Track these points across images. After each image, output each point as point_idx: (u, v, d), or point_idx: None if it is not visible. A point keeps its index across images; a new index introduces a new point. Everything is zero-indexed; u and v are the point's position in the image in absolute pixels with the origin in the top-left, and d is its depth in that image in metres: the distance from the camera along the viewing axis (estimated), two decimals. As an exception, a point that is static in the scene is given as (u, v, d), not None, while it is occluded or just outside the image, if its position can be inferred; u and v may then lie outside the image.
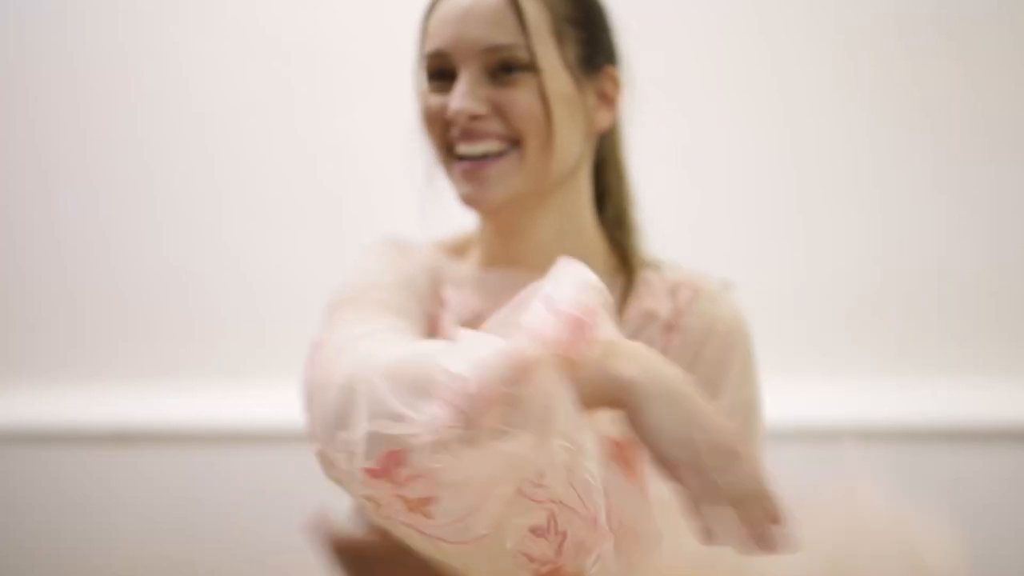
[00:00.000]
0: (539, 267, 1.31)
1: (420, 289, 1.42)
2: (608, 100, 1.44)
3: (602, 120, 1.44)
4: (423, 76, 1.42)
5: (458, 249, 1.53)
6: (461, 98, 1.35)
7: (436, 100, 1.40)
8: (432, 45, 1.39)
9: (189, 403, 2.88)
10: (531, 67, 1.35)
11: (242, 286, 2.83)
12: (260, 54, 2.91)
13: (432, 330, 1.42)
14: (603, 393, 1.04)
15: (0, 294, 3.03)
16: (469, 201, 1.39)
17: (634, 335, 1.36)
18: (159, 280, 2.95)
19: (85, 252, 2.99)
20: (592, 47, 1.41)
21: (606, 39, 1.44)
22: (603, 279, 1.27)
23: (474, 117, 1.36)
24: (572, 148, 1.40)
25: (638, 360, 1.06)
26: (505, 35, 1.35)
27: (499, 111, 1.36)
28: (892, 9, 2.76)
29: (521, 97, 1.35)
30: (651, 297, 1.41)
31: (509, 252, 1.45)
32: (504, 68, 1.35)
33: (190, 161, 2.94)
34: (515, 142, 1.36)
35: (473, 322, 1.27)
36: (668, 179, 2.82)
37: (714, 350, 1.38)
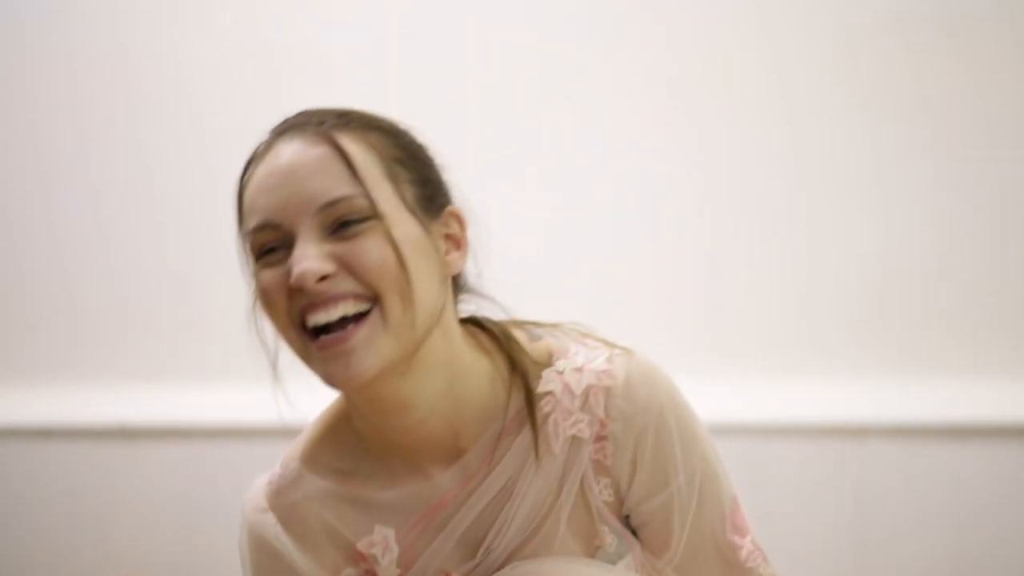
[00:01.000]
0: (438, 431, 1.29)
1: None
2: (457, 242, 1.30)
3: (455, 263, 1.29)
4: (249, 259, 1.28)
5: (324, 457, 1.37)
6: (304, 260, 1.20)
7: (272, 274, 1.24)
8: (256, 220, 1.25)
9: (190, 400, 2.88)
10: (373, 215, 1.22)
11: (243, 284, 2.83)
12: (259, 55, 2.91)
13: None
14: None
15: (2, 294, 3.03)
16: (337, 381, 1.22)
17: (567, 465, 1.30)
18: (160, 280, 2.95)
19: (85, 252, 2.99)
20: (428, 188, 1.28)
21: (439, 179, 1.31)
22: (501, 397, 1.30)
23: (323, 278, 1.21)
24: (432, 295, 1.25)
25: None
26: (338, 187, 1.22)
27: (348, 267, 1.21)
28: (892, 7, 2.76)
29: (369, 247, 1.21)
30: (566, 420, 1.30)
31: (393, 431, 1.30)
32: (343, 223, 1.22)
33: (190, 161, 2.94)
34: (372, 299, 1.22)
35: (413, 549, 1.29)
36: (669, 178, 2.82)
37: (650, 447, 1.31)
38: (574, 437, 1.29)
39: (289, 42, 2.90)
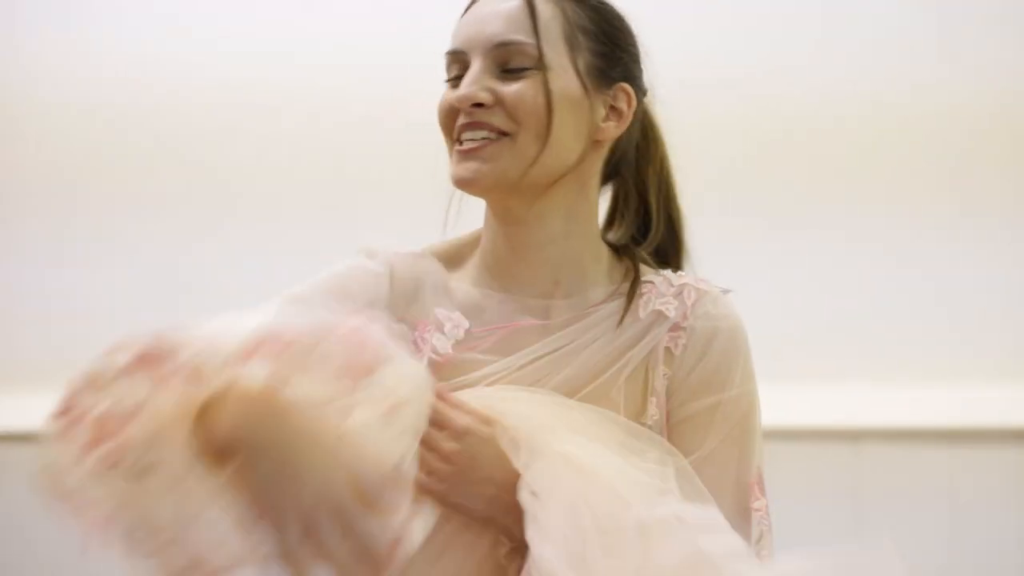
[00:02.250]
0: (545, 265, 1.45)
1: (368, 294, 1.45)
2: (619, 114, 1.46)
3: (609, 131, 1.45)
4: (446, 76, 1.46)
5: (454, 257, 1.52)
6: (467, 86, 1.40)
7: (447, 94, 1.44)
8: (452, 46, 1.44)
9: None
10: (538, 65, 1.39)
11: (244, 284, 2.84)
12: (260, 56, 2.92)
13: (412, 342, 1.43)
14: (207, 445, 1.17)
15: (1, 295, 3.03)
16: (461, 182, 1.42)
17: (643, 332, 1.43)
18: (160, 281, 2.95)
19: (85, 254, 2.99)
20: (607, 60, 1.44)
21: (625, 58, 1.46)
22: (607, 283, 1.47)
23: (477, 104, 1.40)
24: (569, 146, 1.42)
25: (243, 414, 1.15)
26: (516, 32, 1.40)
27: (501, 102, 1.40)
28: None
29: (524, 90, 1.39)
30: (659, 299, 1.44)
31: (513, 247, 1.46)
32: (513, 66, 1.40)
33: (191, 161, 2.94)
34: (513, 133, 1.40)
35: (465, 343, 1.41)
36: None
37: (720, 347, 1.43)
38: (659, 312, 1.43)
39: (290, 45, 2.91)
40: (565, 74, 1.41)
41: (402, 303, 1.46)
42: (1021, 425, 2.77)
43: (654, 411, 1.41)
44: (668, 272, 1.48)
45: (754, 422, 1.43)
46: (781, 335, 2.83)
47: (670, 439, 1.40)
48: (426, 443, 1.29)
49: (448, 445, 1.33)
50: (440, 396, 1.34)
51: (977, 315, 2.79)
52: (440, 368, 1.41)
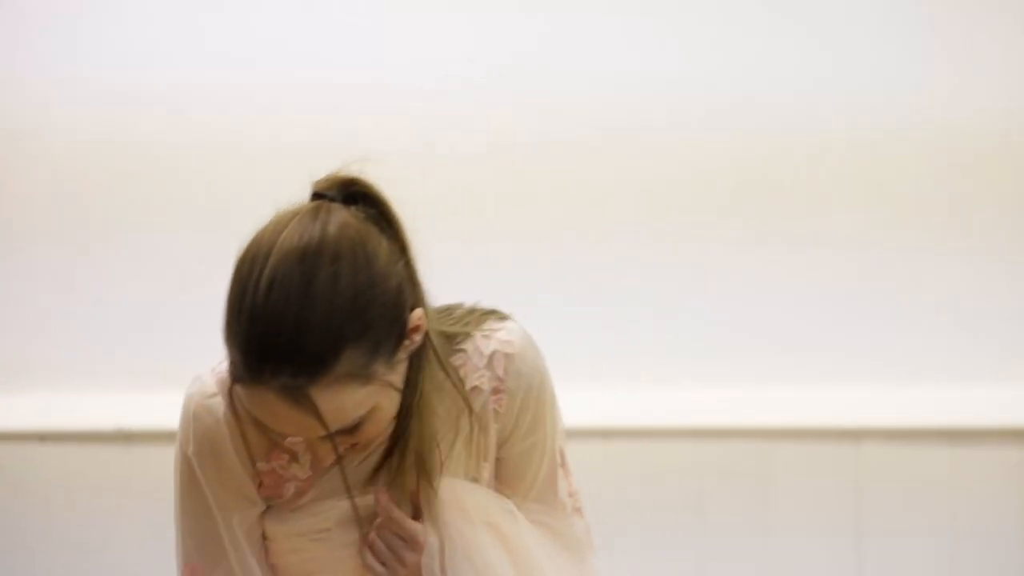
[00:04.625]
0: None
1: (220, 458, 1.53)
2: (417, 328, 1.46)
3: (415, 344, 1.47)
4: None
5: None
6: (320, 462, 1.48)
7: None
8: (274, 428, 1.43)
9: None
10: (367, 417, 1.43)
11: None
12: (261, 59, 2.92)
13: (274, 485, 1.53)
14: None
15: (1, 296, 3.03)
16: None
17: (468, 407, 1.55)
18: (159, 282, 2.95)
19: (85, 255, 2.98)
20: (394, 335, 1.43)
21: (395, 310, 1.43)
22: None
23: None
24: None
25: None
26: (334, 426, 1.40)
27: (352, 443, 1.45)
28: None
29: (367, 431, 1.43)
30: (474, 374, 1.55)
31: None
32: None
33: (192, 162, 2.94)
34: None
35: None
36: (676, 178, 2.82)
37: (534, 398, 1.58)
38: (475, 387, 1.54)
39: (291, 46, 2.91)
40: (387, 395, 1.43)
41: (251, 438, 1.51)
42: (1021, 424, 2.77)
43: (486, 472, 1.58)
44: (476, 337, 1.56)
45: (558, 422, 1.64)
46: (783, 336, 2.83)
47: (501, 469, 1.60)
48: (395, 553, 1.50)
49: (410, 556, 1.51)
50: (389, 508, 1.50)
51: (977, 314, 2.79)
52: (305, 488, 1.52)
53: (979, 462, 2.77)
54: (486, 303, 1.63)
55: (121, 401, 2.95)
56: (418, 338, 1.46)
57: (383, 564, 1.51)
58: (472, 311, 1.60)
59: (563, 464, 1.65)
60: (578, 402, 2.86)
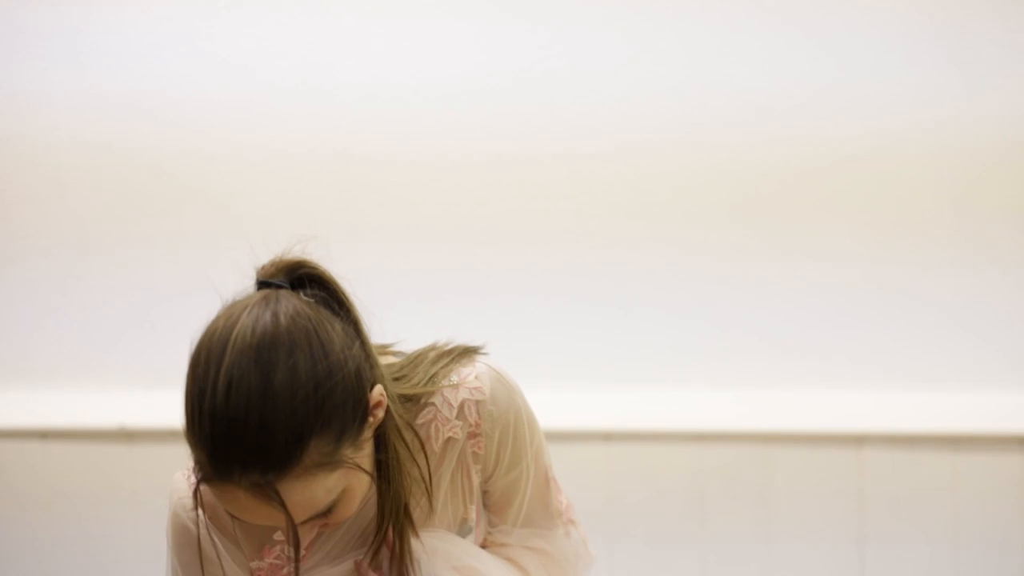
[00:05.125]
0: None
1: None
2: (380, 403, 1.46)
3: (379, 418, 1.46)
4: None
5: None
6: (297, 545, 1.44)
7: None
8: (246, 520, 1.43)
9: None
10: (339, 499, 1.43)
11: (244, 286, 2.83)
12: (260, 63, 2.92)
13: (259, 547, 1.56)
14: None
15: (2, 295, 3.03)
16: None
17: (441, 459, 1.57)
18: (159, 281, 2.95)
19: (86, 253, 2.99)
20: (358, 418, 1.42)
21: (356, 394, 1.42)
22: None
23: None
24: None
25: None
26: (303, 517, 1.40)
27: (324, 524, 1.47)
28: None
29: (340, 514, 1.44)
30: (445, 426, 1.56)
31: None
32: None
33: (192, 166, 2.94)
34: None
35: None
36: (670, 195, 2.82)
37: (512, 435, 1.60)
38: (449, 439, 1.57)
39: (293, 50, 2.91)
40: (355, 478, 1.43)
41: (237, 541, 1.54)
42: (1023, 431, 2.76)
43: (473, 513, 1.61)
44: (444, 389, 1.56)
45: (542, 446, 1.66)
46: (785, 341, 2.83)
47: (488, 500, 1.64)
48: None
49: None
50: (367, 574, 1.53)
51: (981, 321, 2.79)
52: (301, 563, 1.54)
53: (981, 468, 2.77)
54: (460, 339, 1.63)
55: (123, 399, 2.96)
56: (381, 413, 1.45)
57: None
58: (440, 357, 1.59)
59: (551, 481, 1.69)
60: (580, 405, 2.87)
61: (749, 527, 2.83)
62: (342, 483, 1.41)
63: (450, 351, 1.60)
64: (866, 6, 2.79)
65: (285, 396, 1.35)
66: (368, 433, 1.44)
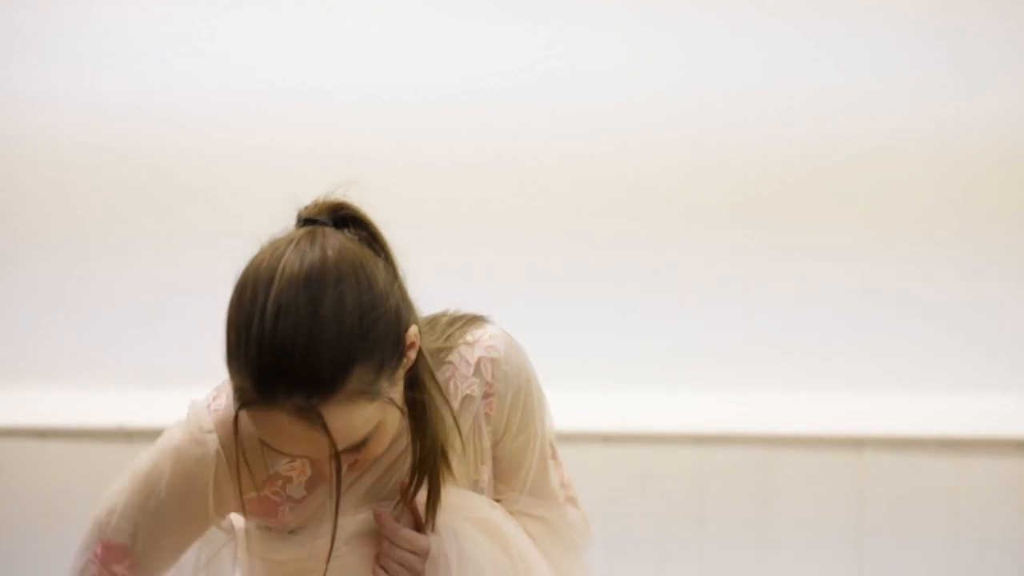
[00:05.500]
0: None
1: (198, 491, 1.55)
2: (413, 345, 1.49)
3: (410, 361, 1.49)
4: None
5: None
6: (327, 480, 1.47)
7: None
8: (273, 447, 1.45)
9: (189, 401, 2.88)
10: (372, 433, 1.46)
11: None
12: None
13: (265, 509, 1.57)
14: None
15: (2, 294, 3.03)
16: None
17: (460, 415, 1.58)
18: (160, 280, 2.95)
19: (86, 252, 2.99)
20: (396, 354, 1.46)
21: (396, 328, 1.46)
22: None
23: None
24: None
25: None
26: (342, 444, 1.42)
27: (354, 459, 1.48)
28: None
29: (372, 448, 1.47)
30: (463, 383, 1.59)
31: None
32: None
33: (192, 167, 2.94)
34: None
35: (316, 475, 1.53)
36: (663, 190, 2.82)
37: (524, 399, 1.63)
38: (467, 396, 1.59)
39: (294, 50, 2.91)
40: (389, 413, 1.46)
41: (243, 470, 1.54)
42: (1022, 435, 2.76)
43: (486, 475, 1.64)
44: (461, 347, 1.60)
45: (548, 417, 1.71)
46: (786, 344, 2.83)
47: (496, 466, 1.65)
48: (408, 564, 1.54)
49: (420, 566, 1.55)
50: (395, 527, 1.55)
51: (981, 325, 2.79)
52: (302, 504, 1.57)
53: (981, 471, 2.77)
54: (467, 307, 1.66)
55: (122, 399, 2.96)
56: (413, 354, 1.49)
57: None
58: (454, 320, 1.63)
59: (554, 456, 1.72)
60: (580, 406, 2.87)
61: (749, 529, 2.83)
62: (378, 416, 1.43)
63: (462, 316, 1.64)
64: (866, 7, 2.79)
65: (332, 323, 1.38)
66: (402, 372, 1.47)
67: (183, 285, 2.92)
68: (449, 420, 1.55)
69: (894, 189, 2.81)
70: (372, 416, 1.43)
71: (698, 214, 2.85)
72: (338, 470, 1.44)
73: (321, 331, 1.38)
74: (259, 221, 2.96)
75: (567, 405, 2.88)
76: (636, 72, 2.84)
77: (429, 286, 3.00)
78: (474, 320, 1.64)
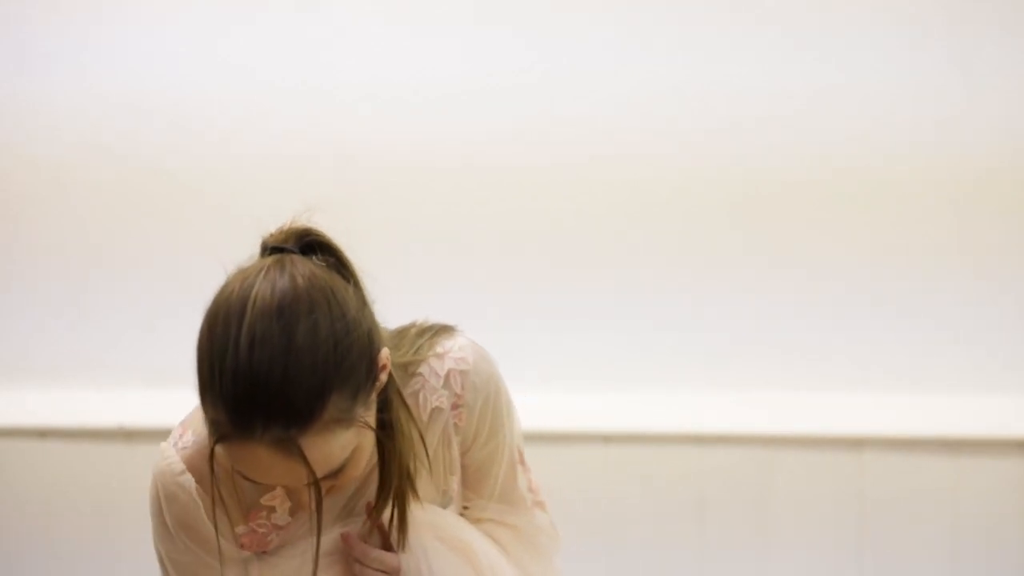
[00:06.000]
0: None
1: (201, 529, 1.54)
2: (384, 367, 1.49)
3: (382, 382, 1.49)
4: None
5: None
6: (305, 508, 1.47)
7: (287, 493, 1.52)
8: (257, 479, 1.44)
9: (189, 401, 2.88)
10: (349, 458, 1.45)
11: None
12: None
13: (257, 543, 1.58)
14: None
15: (3, 294, 3.03)
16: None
17: (429, 427, 1.60)
18: (160, 280, 2.95)
19: (87, 252, 2.99)
20: (370, 379, 1.45)
21: (368, 353, 1.46)
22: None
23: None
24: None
25: None
26: (320, 472, 1.41)
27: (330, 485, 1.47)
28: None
29: (349, 471, 1.45)
30: (432, 395, 1.60)
31: None
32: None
33: (192, 163, 2.94)
34: None
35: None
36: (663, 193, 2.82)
37: (492, 408, 1.63)
38: (436, 408, 1.60)
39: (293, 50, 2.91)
40: (364, 439, 1.46)
41: (225, 507, 1.53)
42: (1023, 435, 2.76)
43: (455, 485, 1.65)
44: (430, 359, 1.60)
45: (516, 424, 1.70)
46: (785, 344, 2.83)
47: (464, 474, 1.66)
48: None
49: None
50: (363, 547, 1.56)
51: (980, 325, 2.79)
52: (288, 530, 1.57)
53: (981, 472, 2.77)
54: (435, 317, 1.67)
55: (122, 398, 2.96)
56: (384, 377, 1.48)
57: None
58: (422, 332, 1.63)
59: (521, 461, 1.72)
60: (580, 407, 2.87)
61: (748, 529, 2.83)
62: (354, 441, 1.43)
63: (431, 327, 1.65)
64: (864, 11, 2.79)
65: (307, 353, 1.38)
66: (374, 395, 1.47)
67: (183, 285, 2.92)
68: (416, 435, 1.55)
69: (894, 190, 2.81)
70: (349, 442, 1.42)
71: (698, 215, 2.85)
72: (318, 497, 1.43)
73: (297, 361, 1.37)
74: (260, 221, 2.96)
75: (567, 405, 2.89)
76: (637, 73, 2.84)
77: (428, 286, 3.02)
78: (443, 331, 1.65)
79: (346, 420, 1.41)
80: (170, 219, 2.96)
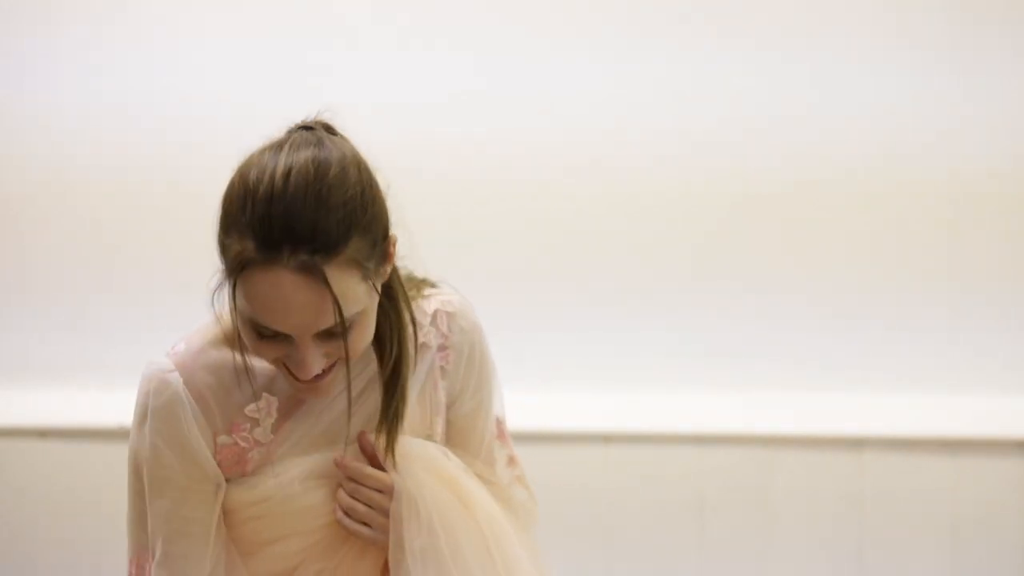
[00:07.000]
0: None
1: (195, 449, 1.59)
2: (390, 256, 1.53)
3: (386, 273, 1.54)
4: (249, 331, 1.48)
5: (223, 335, 1.60)
6: (307, 367, 1.47)
7: (272, 349, 1.49)
8: (265, 325, 1.46)
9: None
10: (356, 322, 1.48)
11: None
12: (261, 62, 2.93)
13: (238, 459, 1.60)
14: None
15: (3, 293, 3.03)
16: (305, 397, 1.55)
17: (417, 363, 1.63)
18: (160, 280, 2.95)
19: (87, 252, 2.99)
20: (381, 242, 1.50)
21: (385, 220, 1.52)
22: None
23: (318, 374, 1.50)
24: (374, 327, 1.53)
25: None
26: (332, 318, 1.44)
27: (332, 357, 1.50)
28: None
29: (352, 342, 1.48)
30: (420, 332, 1.63)
31: None
32: (339, 330, 1.46)
33: (192, 163, 2.95)
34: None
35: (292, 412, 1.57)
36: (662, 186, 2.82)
37: (478, 356, 1.68)
38: (423, 344, 1.63)
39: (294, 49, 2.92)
40: (369, 305, 1.48)
41: (210, 412, 1.57)
42: (1023, 436, 2.76)
43: (439, 427, 1.67)
44: (419, 300, 1.65)
45: (498, 386, 1.74)
46: (786, 344, 2.83)
47: (450, 431, 1.69)
48: (375, 504, 1.57)
49: (388, 504, 1.58)
50: (357, 466, 1.58)
51: (980, 326, 2.79)
52: (269, 448, 1.58)
53: (981, 472, 2.77)
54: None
55: (123, 398, 2.94)
56: (393, 260, 1.54)
57: (365, 524, 1.58)
58: (410, 278, 1.68)
59: (501, 435, 1.77)
60: (580, 407, 2.87)
61: (749, 529, 2.83)
62: (365, 301, 1.46)
63: (417, 277, 1.69)
64: (863, 19, 2.80)
65: (338, 189, 1.44)
66: (384, 270, 1.51)
67: (183, 285, 2.92)
68: (411, 352, 1.58)
69: (893, 190, 2.81)
70: (362, 296, 1.46)
71: (699, 216, 2.85)
72: (343, 327, 1.44)
73: (329, 193, 1.43)
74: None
75: (567, 406, 2.89)
76: (638, 72, 2.84)
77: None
78: (427, 282, 1.70)
79: (363, 268, 1.45)
80: (170, 220, 2.96)
